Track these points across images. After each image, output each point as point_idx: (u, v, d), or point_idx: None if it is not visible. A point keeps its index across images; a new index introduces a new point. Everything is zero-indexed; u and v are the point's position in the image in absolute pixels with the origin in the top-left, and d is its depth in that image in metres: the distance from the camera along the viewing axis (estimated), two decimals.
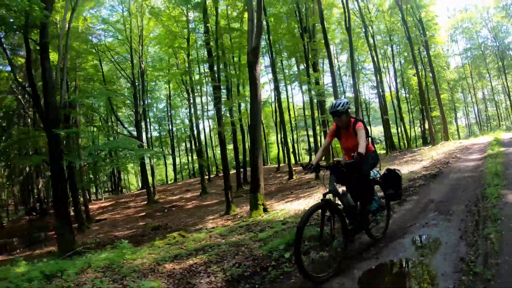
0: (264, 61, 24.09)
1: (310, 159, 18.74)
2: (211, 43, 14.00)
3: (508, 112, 35.44)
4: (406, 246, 3.21)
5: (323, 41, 14.74)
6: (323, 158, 4.17)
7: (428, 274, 2.56)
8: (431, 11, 23.82)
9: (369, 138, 3.53)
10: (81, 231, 12.87)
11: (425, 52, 23.73)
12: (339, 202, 3.15)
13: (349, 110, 3.40)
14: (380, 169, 3.67)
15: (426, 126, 25.93)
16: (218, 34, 13.85)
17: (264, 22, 13.63)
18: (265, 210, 7.73)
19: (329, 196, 3.01)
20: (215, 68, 14.14)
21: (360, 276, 2.78)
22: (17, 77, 11.04)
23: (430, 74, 24.08)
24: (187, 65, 18.77)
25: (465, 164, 7.86)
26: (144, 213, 15.37)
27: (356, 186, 3.30)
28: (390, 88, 29.49)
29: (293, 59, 23.25)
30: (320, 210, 2.93)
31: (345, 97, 23.88)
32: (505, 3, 25.10)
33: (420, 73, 23.77)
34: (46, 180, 23.23)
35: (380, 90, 23.47)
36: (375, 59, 22.98)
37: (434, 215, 3.96)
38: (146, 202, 18.97)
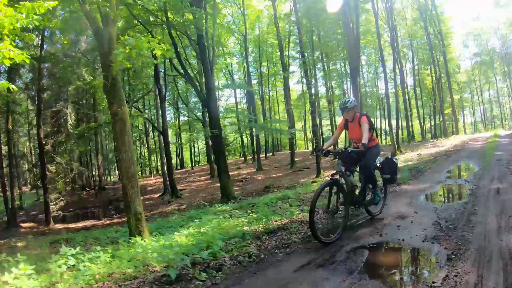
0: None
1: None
2: None
3: (510, 112, 40.97)
4: (459, 164, 8.52)
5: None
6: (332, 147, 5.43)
7: (470, 169, 7.84)
8: (449, 23, 28.92)
9: (373, 131, 4.23)
10: (179, 197, 17.90)
11: (439, 56, 28.87)
12: (343, 181, 3.86)
13: (355, 106, 4.17)
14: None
15: (437, 121, 31.48)
16: None
17: None
18: None
19: (336, 176, 3.78)
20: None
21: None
22: None
23: (442, 75, 29.32)
24: None
25: (474, 146, 13.21)
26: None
27: (360, 170, 4.19)
28: (406, 86, 34.65)
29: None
30: (328, 187, 3.72)
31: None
32: None
33: (435, 75, 29.04)
34: (105, 157, 27.65)
35: (400, 87, 28.59)
36: (397, 60, 28.03)
37: (465, 160, 9.29)
38: (209, 176, 24.15)
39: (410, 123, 29.12)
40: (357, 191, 4.06)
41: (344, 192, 3.82)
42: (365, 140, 3.83)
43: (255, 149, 25.65)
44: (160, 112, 18.61)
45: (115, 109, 5.68)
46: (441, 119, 31.12)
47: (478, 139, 17.29)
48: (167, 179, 18.55)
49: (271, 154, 32.69)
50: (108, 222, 14.07)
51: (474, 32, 39.81)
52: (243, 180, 20.33)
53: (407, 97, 28.75)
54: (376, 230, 3.86)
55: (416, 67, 35.26)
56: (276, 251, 3.52)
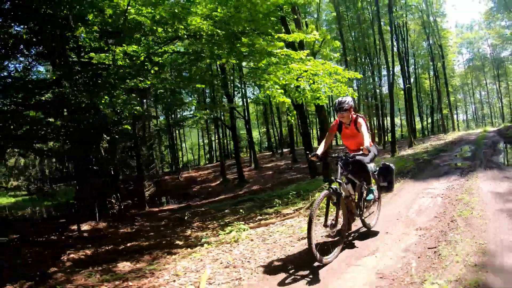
0: None
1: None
2: None
3: (500, 112, 47.86)
4: (463, 147, 14.34)
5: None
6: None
7: (470, 147, 13.67)
8: (448, 36, 35.10)
9: (370, 135, 4.04)
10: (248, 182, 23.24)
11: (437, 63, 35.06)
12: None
13: (352, 107, 3.97)
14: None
15: (434, 119, 37.88)
16: None
17: None
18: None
19: (335, 184, 3.58)
20: None
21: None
22: None
23: (439, 81, 35.56)
24: None
25: (469, 138, 19.14)
26: (272, 172, 25.89)
27: (359, 175, 3.95)
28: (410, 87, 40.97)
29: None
30: (327, 198, 3.55)
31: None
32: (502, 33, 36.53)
33: (435, 79, 35.24)
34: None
35: (406, 89, 34.70)
36: (404, 65, 34.07)
37: (466, 145, 15.13)
38: (254, 166, 29.39)
39: (414, 121, 35.21)
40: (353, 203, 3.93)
41: (344, 203, 3.69)
42: (367, 143, 3.69)
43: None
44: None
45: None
46: (438, 117, 37.45)
47: (472, 134, 23.35)
48: (237, 168, 23.51)
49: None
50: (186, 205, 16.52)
51: (467, 40, 46.45)
52: (292, 168, 25.85)
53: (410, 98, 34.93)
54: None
55: (415, 71, 41.53)
56: None
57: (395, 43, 26.74)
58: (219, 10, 5.85)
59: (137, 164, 17.07)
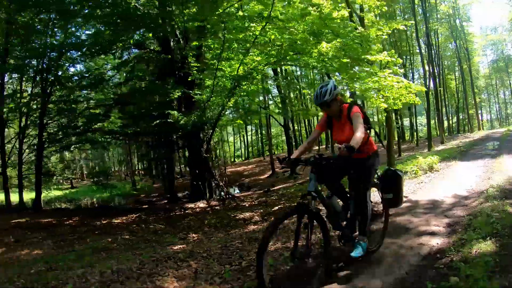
0: None
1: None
2: None
3: None
4: (489, 145, 17.93)
5: None
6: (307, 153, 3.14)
7: (496, 143, 17.26)
8: (473, 40, 38.32)
9: (370, 131, 3.14)
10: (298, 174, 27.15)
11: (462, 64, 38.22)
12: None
13: (339, 96, 2.97)
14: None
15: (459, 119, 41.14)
16: None
17: None
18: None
19: (308, 199, 2.65)
20: None
21: None
22: None
23: (465, 82, 38.68)
24: None
25: (494, 136, 22.63)
26: None
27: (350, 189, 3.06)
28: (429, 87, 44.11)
29: None
30: (296, 216, 2.65)
31: None
32: None
33: (461, 79, 38.47)
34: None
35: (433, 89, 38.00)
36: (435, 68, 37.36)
37: (492, 141, 18.67)
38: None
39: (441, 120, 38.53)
40: (343, 222, 3.05)
41: (322, 223, 2.74)
42: (355, 141, 2.58)
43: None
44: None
45: None
46: (463, 117, 40.71)
47: (496, 133, 26.73)
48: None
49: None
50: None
51: (491, 42, 49.24)
52: None
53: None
54: None
55: (442, 72, 44.72)
56: None
57: (425, 49, 30.19)
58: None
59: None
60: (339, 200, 3.28)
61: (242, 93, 11.21)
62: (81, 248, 6.01)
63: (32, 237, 7.43)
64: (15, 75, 14.22)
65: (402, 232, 4.03)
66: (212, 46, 10.04)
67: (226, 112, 14.17)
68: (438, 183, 7.62)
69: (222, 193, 12.59)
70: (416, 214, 4.89)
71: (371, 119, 3.42)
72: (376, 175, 3.29)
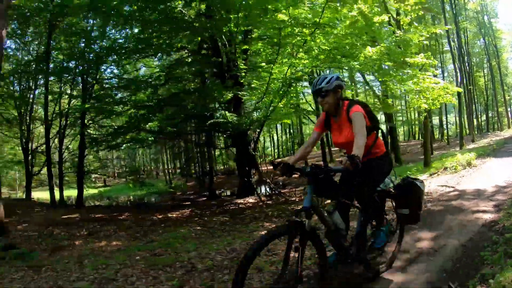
0: None
1: None
2: None
3: None
4: None
5: None
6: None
7: None
8: (502, 37, 37.86)
9: (379, 131, 2.77)
10: None
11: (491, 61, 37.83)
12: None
13: (340, 89, 2.62)
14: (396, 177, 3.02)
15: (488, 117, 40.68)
16: None
17: None
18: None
19: (300, 216, 2.24)
20: None
21: None
22: None
23: (494, 79, 38.21)
24: None
25: None
26: None
27: (356, 197, 2.71)
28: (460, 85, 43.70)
29: None
30: (287, 237, 2.22)
31: None
32: None
33: (486, 77, 38.14)
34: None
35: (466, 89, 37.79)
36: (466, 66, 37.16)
37: None
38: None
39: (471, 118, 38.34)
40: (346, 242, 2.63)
41: (319, 244, 2.35)
42: (357, 149, 2.27)
43: None
44: None
45: None
46: (492, 115, 40.18)
47: None
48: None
49: None
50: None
51: None
52: None
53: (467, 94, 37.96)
54: None
55: (471, 70, 44.25)
56: None
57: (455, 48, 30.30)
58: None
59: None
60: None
61: (292, 94, 12.19)
62: (160, 238, 6.11)
63: (104, 230, 7.78)
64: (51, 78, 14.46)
65: (460, 211, 5.03)
66: (261, 50, 11.03)
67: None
68: (477, 176, 8.38)
69: (268, 189, 13.21)
70: (466, 199, 5.82)
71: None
72: (392, 185, 2.90)
